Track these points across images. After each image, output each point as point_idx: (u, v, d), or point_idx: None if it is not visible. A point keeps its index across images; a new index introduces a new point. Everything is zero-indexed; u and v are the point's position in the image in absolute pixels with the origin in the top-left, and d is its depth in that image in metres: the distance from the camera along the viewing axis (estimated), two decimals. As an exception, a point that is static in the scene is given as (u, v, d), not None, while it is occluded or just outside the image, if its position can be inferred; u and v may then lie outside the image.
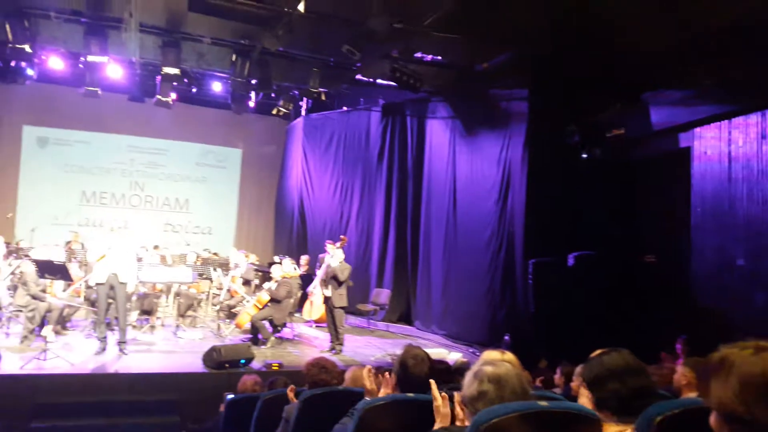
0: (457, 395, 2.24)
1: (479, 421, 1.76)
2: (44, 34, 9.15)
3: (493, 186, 9.03)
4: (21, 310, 7.44)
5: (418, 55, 8.96)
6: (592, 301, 7.40)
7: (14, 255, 9.21)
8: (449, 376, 3.96)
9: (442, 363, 4.43)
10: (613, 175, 8.26)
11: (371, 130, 11.57)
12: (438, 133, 10.48)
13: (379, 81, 9.67)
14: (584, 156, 8.21)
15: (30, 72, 10.71)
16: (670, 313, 7.05)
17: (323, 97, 10.22)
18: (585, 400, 2.13)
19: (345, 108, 12.00)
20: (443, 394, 2.39)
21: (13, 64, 10.38)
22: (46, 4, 8.36)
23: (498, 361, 2.18)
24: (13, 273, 8.35)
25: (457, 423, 2.26)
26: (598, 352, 2.24)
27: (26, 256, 8.53)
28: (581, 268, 7.88)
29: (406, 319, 10.89)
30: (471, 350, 8.46)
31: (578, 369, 3.47)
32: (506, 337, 7.86)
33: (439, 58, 9.14)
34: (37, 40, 8.98)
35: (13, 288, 8.12)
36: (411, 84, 8.82)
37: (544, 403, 1.88)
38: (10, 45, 8.49)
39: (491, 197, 9.03)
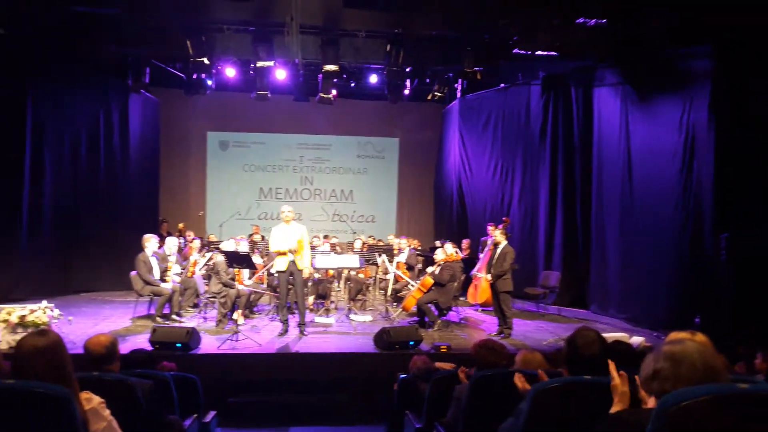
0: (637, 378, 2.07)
1: (667, 404, 1.60)
2: (218, 47, 10.03)
3: (675, 154, 8.17)
4: (215, 297, 8.26)
5: (580, 21, 8.40)
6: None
7: (206, 248, 10.28)
8: (631, 358, 3.66)
9: (621, 344, 4.11)
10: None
11: (531, 105, 11.04)
12: (607, 102, 9.71)
13: (538, 53, 9.21)
14: (784, 113, 7.16)
15: (209, 82, 11.84)
16: None
17: (479, 77, 9.99)
18: None
19: (502, 85, 11.62)
20: (621, 372, 2.21)
21: (194, 76, 11.56)
22: (219, 18, 9.14)
23: (680, 339, 1.96)
24: (206, 264, 9.31)
25: (644, 406, 2.07)
26: None
27: (217, 248, 9.41)
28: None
29: (579, 302, 10.24)
30: (655, 334, 7.78)
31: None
32: (696, 320, 7.11)
33: (604, 21, 8.48)
34: (213, 52, 9.88)
35: (208, 277, 9.05)
36: (574, 52, 8.30)
37: (743, 386, 1.64)
38: (192, 59, 9.44)
39: (674, 167, 8.18)
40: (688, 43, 7.97)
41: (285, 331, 7.47)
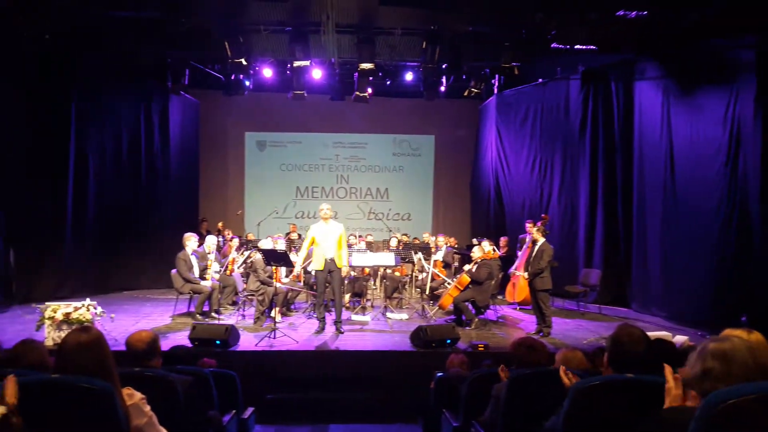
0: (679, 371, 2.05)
1: (712, 402, 1.56)
2: (256, 47, 10.15)
3: (719, 148, 7.93)
4: (253, 295, 8.37)
5: (620, 13, 8.20)
6: None
7: (245, 246, 10.43)
8: (674, 357, 3.55)
9: (664, 342, 4.00)
10: None
11: (571, 100, 10.82)
12: (648, 96, 9.46)
13: (576, 47, 9.04)
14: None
15: (247, 83, 12.00)
16: None
17: (516, 72, 9.86)
18: None
19: (540, 80, 11.44)
20: (677, 375, 2.15)
21: (233, 78, 11.73)
22: (256, 19, 9.24)
23: (726, 336, 1.90)
24: (245, 262, 9.44)
25: (688, 403, 2.02)
26: None
27: (255, 247, 9.53)
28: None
29: (620, 300, 10.02)
30: (699, 333, 7.55)
31: None
32: (743, 318, 6.86)
33: (644, 13, 8.26)
34: (250, 53, 9.99)
35: (246, 275, 9.18)
36: (614, 45, 8.10)
37: None
38: (230, 60, 9.56)
39: (717, 161, 7.94)
40: (733, 33, 7.70)
41: (322, 329, 7.52)
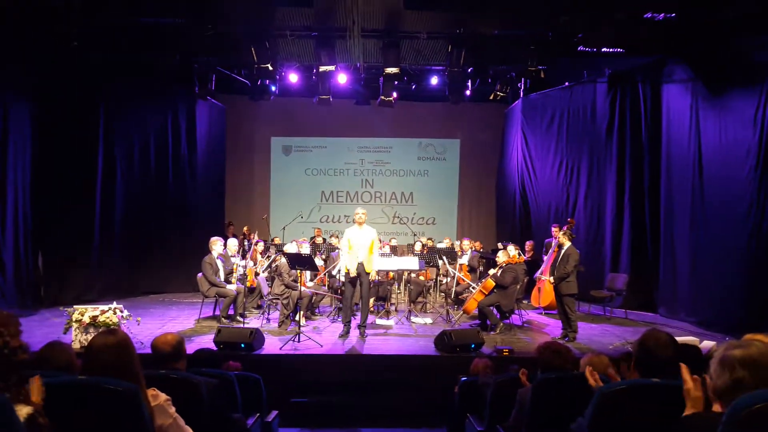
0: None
1: (740, 407, 1.56)
2: (282, 52, 10.25)
3: (748, 151, 7.77)
4: (278, 298, 8.42)
5: (648, 15, 8.08)
6: None
7: (269, 250, 10.50)
8: (701, 362, 3.48)
9: (690, 347, 3.92)
10: None
11: (597, 103, 10.69)
12: (676, 98, 9.30)
13: (603, 49, 8.93)
14: None
15: (273, 88, 12.10)
16: None
17: (542, 75, 9.78)
18: None
19: (566, 83, 11.32)
20: (695, 377, 2.11)
21: (259, 83, 11.85)
22: (282, 25, 9.32)
23: (747, 342, 1.85)
24: (270, 266, 9.50)
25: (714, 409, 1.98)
26: None
27: (280, 251, 9.60)
28: None
29: (648, 305, 9.86)
30: (728, 338, 7.37)
31: None
32: (775, 325, 6.69)
33: (672, 15, 8.12)
34: (276, 58, 10.09)
35: (271, 279, 9.24)
36: (642, 47, 7.99)
37: None
38: (256, 66, 9.66)
39: (747, 164, 7.77)
40: (762, 34, 7.52)
41: (346, 333, 7.53)
